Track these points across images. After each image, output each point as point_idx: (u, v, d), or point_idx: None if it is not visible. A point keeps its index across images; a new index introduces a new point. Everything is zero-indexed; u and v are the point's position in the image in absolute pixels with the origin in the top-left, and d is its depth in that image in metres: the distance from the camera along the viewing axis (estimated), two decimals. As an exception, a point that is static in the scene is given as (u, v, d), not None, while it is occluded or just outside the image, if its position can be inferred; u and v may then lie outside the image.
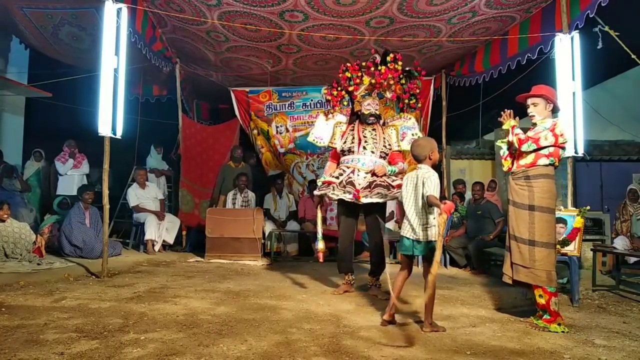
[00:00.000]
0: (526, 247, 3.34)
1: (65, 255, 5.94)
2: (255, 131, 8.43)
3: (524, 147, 3.33)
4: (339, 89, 4.63)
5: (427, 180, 3.18)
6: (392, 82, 4.48)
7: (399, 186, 4.18)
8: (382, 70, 4.44)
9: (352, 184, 4.20)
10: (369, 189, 4.15)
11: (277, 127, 8.35)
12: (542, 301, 3.33)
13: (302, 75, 7.99)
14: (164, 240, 7.07)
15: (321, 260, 4.52)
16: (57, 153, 7.64)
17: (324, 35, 6.15)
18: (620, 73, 9.04)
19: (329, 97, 4.71)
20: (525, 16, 5.60)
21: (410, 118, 4.62)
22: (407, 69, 4.58)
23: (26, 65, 8.07)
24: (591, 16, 4.59)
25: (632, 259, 5.80)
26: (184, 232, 7.51)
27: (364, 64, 4.55)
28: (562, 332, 3.22)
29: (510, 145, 3.54)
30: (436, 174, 3.25)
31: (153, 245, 6.83)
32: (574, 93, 4.82)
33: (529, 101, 3.48)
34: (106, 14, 4.68)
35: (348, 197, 4.17)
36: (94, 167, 7.62)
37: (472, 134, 9.38)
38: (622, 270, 5.37)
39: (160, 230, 7.00)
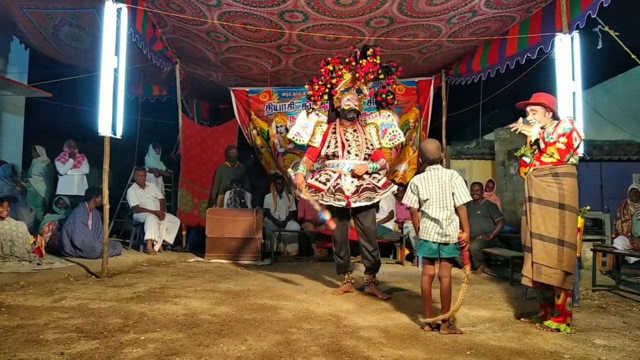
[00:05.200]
0: (555, 246, 3.23)
1: (65, 255, 5.93)
2: (254, 131, 8.43)
3: (567, 158, 3.27)
4: (320, 83, 4.66)
5: (459, 185, 3.19)
6: (371, 76, 4.52)
7: (385, 185, 4.33)
8: (364, 64, 4.48)
9: (341, 190, 4.27)
10: (357, 194, 4.24)
11: (277, 127, 8.35)
12: (559, 301, 3.28)
13: (302, 76, 7.98)
14: (164, 240, 7.07)
15: (333, 227, 4.35)
16: (57, 153, 7.65)
17: (324, 35, 6.15)
18: (620, 73, 9.05)
19: (310, 93, 4.73)
20: (525, 16, 5.60)
21: (389, 115, 4.66)
22: (384, 64, 4.61)
23: (26, 65, 8.06)
24: (593, 16, 4.59)
25: (632, 259, 5.80)
26: (184, 232, 7.51)
27: (347, 60, 4.58)
28: (567, 332, 3.21)
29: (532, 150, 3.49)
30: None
31: (153, 245, 6.82)
32: (574, 93, 4.81)
33: (528, 108, 3.47)
34: (106, 14, 4.67)
35: (338, 204, 4.24)
36: (95, 167, 7.62)
37: (472, 134, 9.39)
38: (622, 270, 5.37)
39: (160, 230, 7.00)
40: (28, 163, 7.86)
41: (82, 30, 6.42)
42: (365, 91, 4.63)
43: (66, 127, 8.15)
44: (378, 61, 4.52)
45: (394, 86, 4.73)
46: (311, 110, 4.71)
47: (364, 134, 4.49)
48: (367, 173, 4.36)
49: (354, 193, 4.24)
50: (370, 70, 4.49)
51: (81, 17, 6.10)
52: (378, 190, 4.26)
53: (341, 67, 4.58)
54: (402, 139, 4.65)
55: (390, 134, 4.52)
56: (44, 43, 6.93)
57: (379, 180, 4.37)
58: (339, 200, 4.22)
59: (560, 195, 3.26)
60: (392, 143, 4.61)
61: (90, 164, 7.70)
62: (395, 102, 4.87)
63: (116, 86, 4.77)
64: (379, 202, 4.45)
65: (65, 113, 8.21)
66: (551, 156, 3.32)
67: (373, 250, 4.38)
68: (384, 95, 4.68)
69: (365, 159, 4.42)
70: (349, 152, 4.41)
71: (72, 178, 7.44)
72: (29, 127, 8.39)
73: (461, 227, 3.20)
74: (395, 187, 4.39)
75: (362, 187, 4.26)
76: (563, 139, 3.26)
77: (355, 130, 4.49)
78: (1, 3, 5.87)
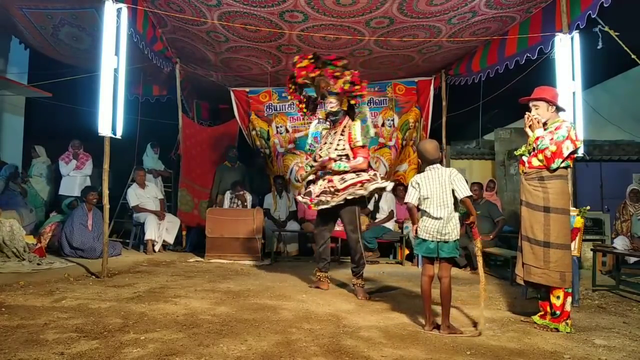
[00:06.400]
0: (540, 248, 3.33)
1: (65, 256, 5.93)
2: (253, 132, 8.44)
3: (554, 166, 3.29)
4: (296, 101, 4.91)
5: (459, 181, 3.21)
6: (307, 79, 4.54)
7: (349, 187, 4.25)
8: (295, 74, 4.57)
9: (309, 193, 4.46)
10: (317, 196, 4.35)
11: (277, 127, 8.35)
12: (558, 302, 3.30)
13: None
14: (164, 240, 7.07)
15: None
16: (58, 153, 7.65)
17: (324, 35, 6.15)
18: (620, 73, 9.05)
19: (297, 108, 4.95)
20: (525, 16, 5.60)
21: (360, 112, 4.65)
22: (313, 58, 4.52)
23: (26, 65, 8.07)
24: (593, 16, 4.59)
25: (632, 259, 5.80)
26: (184, 232, 7.51)
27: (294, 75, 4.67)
28: (567, 332, 3.23)
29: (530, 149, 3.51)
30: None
31: (153, 245, 6.82)
32: (574, 93, 4.82)
33: (531, 104, 3.50)
34: (106, 14, 4.67)
35: (304, 203, 4.53)
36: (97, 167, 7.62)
37: (472, 134, 9.39)
38: (622, 270, 5.37)
39: (160, 230, 6.99)
40: (28, 163, 7.86)
41: (82, 30, 6.42)
42: (334, 88, 4.45)
43: (66, 127, 8.15)
44: (304, 64, 4.49)
45: (345, 76, 4.43)
46: (319, 120, 4.90)
47: (341, 134, 4.49)
48: (334, 172, 4.35)
49: (317, 195, 4.35)
50: (305, 73, 4.50)
51: (81, 17, 6.10)
52: (336, 194, 4.25)
53: (290, 86, 4.75)
54: (371, 133, 4.64)
55: (366, 130, 4.52)
56: (44, 43, 6.93)
57: (344, 182, 4.28)
58: (306, 203, 4.46)
59: (545, 199, 3.33)
60: (364, 139, 4.50)
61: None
62: (358, 90, 4.53)
63: (116, 86, 4.77)
64: (360, 201, 4.41)
65: (65, 113, 8.21)
66: (541, 161, 3.36)
67: (354, 253, 4.40)
68: (340, 84, 4.42)
69: (336, 160, 4.39)
70: (320, 156, 4.51)
71: (75, 179, 7.43)
72: (29, 127, 8.39)
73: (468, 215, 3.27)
74: (370, 186, 4.27)
75: (321, 191, 4.34)
76: (552, 147, 3.29)
77: (335, 132, 4.54)
78: (1, 3, 5.87)
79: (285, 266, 6.14)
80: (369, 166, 4.58)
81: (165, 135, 8.39)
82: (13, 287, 4.12)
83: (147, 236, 6.80)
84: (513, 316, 3.68)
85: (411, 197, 3.32)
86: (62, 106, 8.03)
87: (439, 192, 3.22)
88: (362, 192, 4.25)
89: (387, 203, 7.14)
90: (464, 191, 3.20)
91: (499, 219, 6.28)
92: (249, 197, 7.38)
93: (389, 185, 4.57)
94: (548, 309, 3.39)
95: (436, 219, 3.19)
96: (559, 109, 3.47)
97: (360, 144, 4.37)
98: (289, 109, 8.29)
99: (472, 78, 7.03)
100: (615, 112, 8.60)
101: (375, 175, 4.42)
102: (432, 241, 3.20)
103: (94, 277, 4.80)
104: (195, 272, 5.40)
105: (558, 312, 3.30)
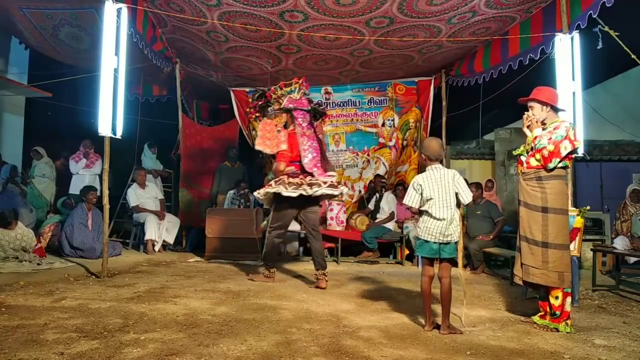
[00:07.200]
0: (539, 248, 3.33)
1: (65, 256, 5.93)
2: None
3: (551, 165, 3.30)
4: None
5: (463, 184, 3.23)
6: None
7: (267, 186, 4.75)
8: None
9: None
10: None
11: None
12: (557, 302, 3.31)
13: (302, 76, 7.98)
14: (164, 240, 7.07)
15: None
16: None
17: (324, 35, 6.15)
18: (620, 73, 9.05)
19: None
20: (525, 16, 5.59)
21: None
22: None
23: (26, 65, 8.07)
24: (594, 16, 4.58)
25: (632, 259, 5.81)
26: (184, 232, 7.51)
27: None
28: (567, 332, 3.23)
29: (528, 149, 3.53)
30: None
31: (153, 245, 6.82)
32: (574, 93, 4.81)
33: (528, 104, 3.52)
34: (106, 14, 4.67)
35: None
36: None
37: (472, 134, 9.38)
38: (622, 270, 5.37)
39: (161, 230, 7.00)
40: (29, 163, 7.86)
41: (82, 30, 6.42)
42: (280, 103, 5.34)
43: (66, 127, 8.15)
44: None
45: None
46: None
47: None
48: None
49: None
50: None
51: (81, 17, 6.10)
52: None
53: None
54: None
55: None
56: (44, 43, 6.92)
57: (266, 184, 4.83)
58: None
59: (543, 199, 3.33)
60: (281, 147, 5.06)
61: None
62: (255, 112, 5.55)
63: (116, 86, 4.76)
64: (271, 207, 4.84)
65: (65, 113, 8.21)
66: (538, 161, 3.37)
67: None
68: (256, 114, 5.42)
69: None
70: None
71: (84, 178, 7.44)
72: (29, 127, 8.39)
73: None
74: (262, 191, 4.79)
75: None
76: (550, 147, 3.29)
77: None
78: (1, 3, 5.87)
79: (285, 266, 6.14)
80: (311, 168, 4.84)
81: (165, 135, 8.39)
82: (13, 287, 4.12)
83: (147, 236, 6.81)
84: (513, 316, 3.68)
85: (413, 201, 3.28)
86: (62, 106, 8.04)
87: (442, 193, 3.21)
88: (257, 195, 4.85)
89: (387, 204, 7.14)
90: (468, 196, 3.23)
91: (499, 219, 6.28)
92: (252, 196, 7.39)
93: (280, 190, 4.62)
94: (548, 309, 3.39)
95: (439, 220, 3.18)
96: (556, 109, 3.47)
97: (278, 150, 4.98)
98: (289, 109, 8.28)
99: (476, 78, 7.01)
100: (615, 112, 8.59)
101: (277, 181, 4.70)
102: (435, 242, 3.20)
103: (94, 277, 4.80)
104: (195, 272, 5.40)
105: (558, 313, 3.31)
